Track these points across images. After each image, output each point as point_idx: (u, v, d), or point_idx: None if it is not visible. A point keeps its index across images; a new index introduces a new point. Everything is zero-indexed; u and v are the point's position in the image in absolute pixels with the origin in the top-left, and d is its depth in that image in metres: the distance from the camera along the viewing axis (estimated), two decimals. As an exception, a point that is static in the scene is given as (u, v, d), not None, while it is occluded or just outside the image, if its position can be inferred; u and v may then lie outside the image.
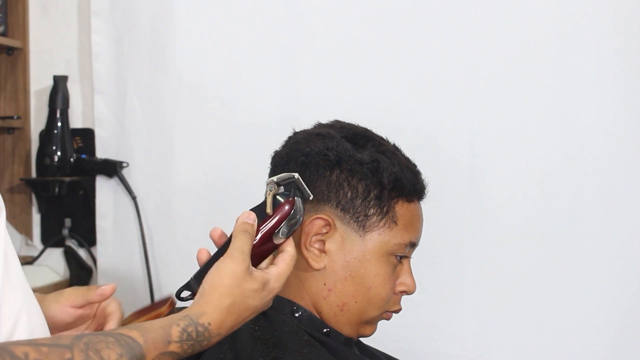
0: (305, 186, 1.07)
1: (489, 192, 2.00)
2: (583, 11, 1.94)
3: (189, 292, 1.03)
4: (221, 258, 0.99)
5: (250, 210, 1.05)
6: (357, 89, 2.06)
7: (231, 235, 1.03)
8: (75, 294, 1.10)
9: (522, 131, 1.98)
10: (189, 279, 1.04)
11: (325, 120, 1.29)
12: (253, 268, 1.01)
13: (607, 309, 1.94)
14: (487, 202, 2.00)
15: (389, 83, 2.05)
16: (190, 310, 0.96)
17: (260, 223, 1.04)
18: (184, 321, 0.93)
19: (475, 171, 2.01)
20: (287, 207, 1.05)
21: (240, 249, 1.00)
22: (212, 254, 1.05)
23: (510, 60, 1.98)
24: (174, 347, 0.91)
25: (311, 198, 1.08)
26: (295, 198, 1.06)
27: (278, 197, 1.06)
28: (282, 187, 1.06)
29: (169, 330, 0.92)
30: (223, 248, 1.03)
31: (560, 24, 1.96)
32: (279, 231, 1.04)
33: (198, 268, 1.04)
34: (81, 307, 1.10)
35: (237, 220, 1.03)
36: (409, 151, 1.26)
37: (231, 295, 0.97)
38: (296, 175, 1.06)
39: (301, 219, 1.07)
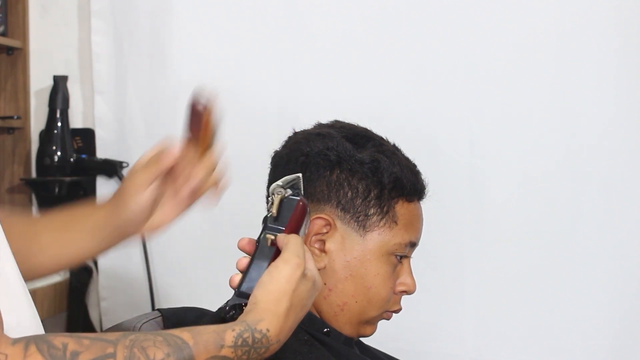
0: (302, 187, 1.06)
1: (489, 192, 2.00)
2: (583, 11, 1.94)
3: (234, 311, 0.99)
4: (274, 263, 0.97)
5: (265, 217, 1.04)
6: (357, 89, 2.06)
7: (258, 239, 1.02)
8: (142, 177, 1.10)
9: (522, 131, 1.99)
10: (229, 298, 1.00)
11: (325, 120, 1.29)
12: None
13: (607, 309, 1.94)
14: (487, 202, 2.00)
15: (389, 83, 2.05)
16: (247, 316, 0.93)
17: (285, 228, 1.02)
18: (240, 326, 0.91)
19: (475, 171, 2.01)
20: (302, 204, 1.03)
21: (296, 253, 0.97)
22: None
23: (510, 60, 1.98)
24: (226, 352, 0.89)
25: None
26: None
27: (291, 197, 1.04)
28: (288, 190, 1.04)
29: (222, 335, 0.89)
30: (259, 254, 1.01)
31: (560, 24, 1.96)
32: (299, 230, 1.03)
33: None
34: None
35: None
36: (409, 151, 1.26)
37: (289, 299, 0.94)
38: (299, 174, 1.06)
39: (309, 217, 1.06)
